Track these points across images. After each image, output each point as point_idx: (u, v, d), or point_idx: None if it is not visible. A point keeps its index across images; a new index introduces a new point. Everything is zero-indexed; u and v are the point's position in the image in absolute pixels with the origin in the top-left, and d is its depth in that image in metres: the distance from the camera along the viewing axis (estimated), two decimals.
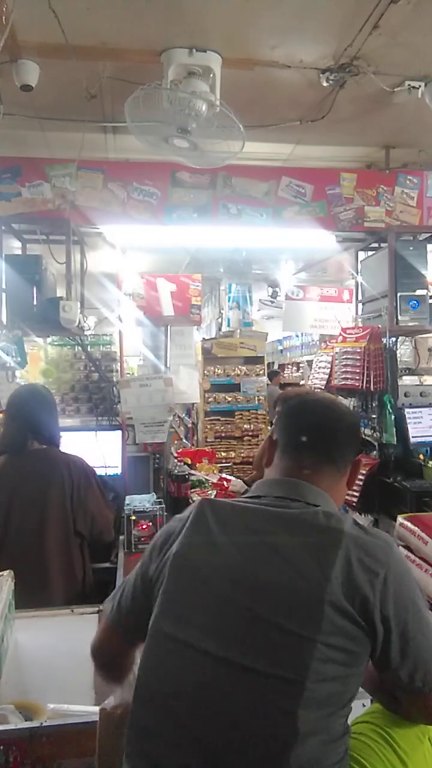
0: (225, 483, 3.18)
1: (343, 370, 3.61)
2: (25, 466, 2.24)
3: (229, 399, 6.43)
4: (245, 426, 6.41)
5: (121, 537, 2.60)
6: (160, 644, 1.05)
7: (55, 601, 2.10)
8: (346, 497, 3.46)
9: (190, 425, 6.91)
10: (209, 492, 3.18)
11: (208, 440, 6.34)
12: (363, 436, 3.62)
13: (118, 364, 3.72)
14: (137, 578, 1.19)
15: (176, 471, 3.17)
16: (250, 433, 6.40)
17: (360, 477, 3.39)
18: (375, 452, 3.47)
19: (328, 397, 1.34)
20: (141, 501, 2.76)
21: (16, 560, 2.07)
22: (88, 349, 3.68)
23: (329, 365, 3.87)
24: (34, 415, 2.31)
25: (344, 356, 3.62)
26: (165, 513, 2.69)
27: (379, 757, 1.08)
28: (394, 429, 3.30)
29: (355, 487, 3.40)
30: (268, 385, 6.84)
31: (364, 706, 1.26)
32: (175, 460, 3.59)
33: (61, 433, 2.46)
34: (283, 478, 1.19)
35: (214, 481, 3.29)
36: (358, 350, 3.44)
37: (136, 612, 1.16)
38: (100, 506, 2.35)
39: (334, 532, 1.03)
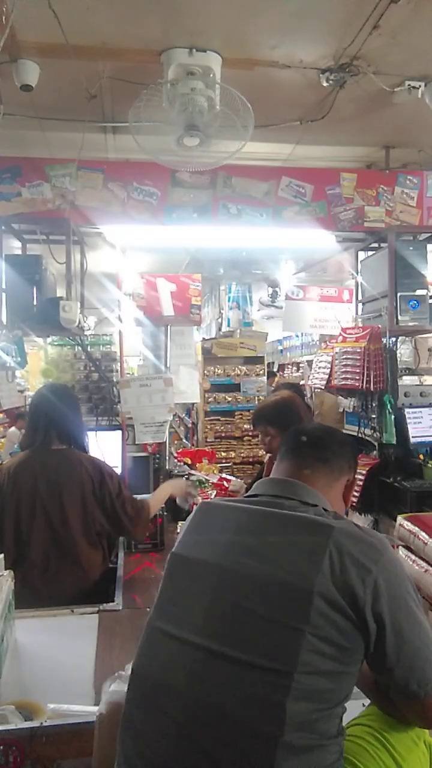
0: (225, 483, 3.18)
1: (343, 370, 3.61)
2: (45, 465, 2.23)
3: (229, 399, 6.42)
4: (245, 426, 6.40)
5: (121, 537, 2.59)
6: (153, 641, 1.08)
7: (83, 589, 2.14)
8: None
9: (190, 425, 6.91)
10: (209, 492, 3.18)
11: (208, 440, 6.33)
12: (363, 437, 3.62)
13: (118, 364, 3.72)
14: None
15: (176, 471, 3.17)
16: (250, 433, 6.39)
17: (360, 477, 3.39)
18: (375, 452, 3.47)
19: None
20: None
21: (43, 552, 2.13)
22: (88, 349, 3.69)
23: (329, 365, 3.87)
24: (55, 414, 2.29)
25: (344, 356, 3.62)
26: (165, 513, 2.69)
27: (374, 760, 1.08)
28: (394, 429, 3.30)
29: (355, 487, 3.40)
30: (268, 385, 6.84)
31: (364, 705, 1.26)
32: (175, 460, 3.59)
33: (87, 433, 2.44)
34: (280, 477, 1.26)
35: (214, 481, 3.29)
36: (358, 350, 3.44)
37: None
38: (127, 504, 2.29)
39: (324, 527, 1.05)
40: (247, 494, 1.25)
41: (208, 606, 1.04)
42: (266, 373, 7.27)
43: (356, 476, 1.44)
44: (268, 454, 2.53)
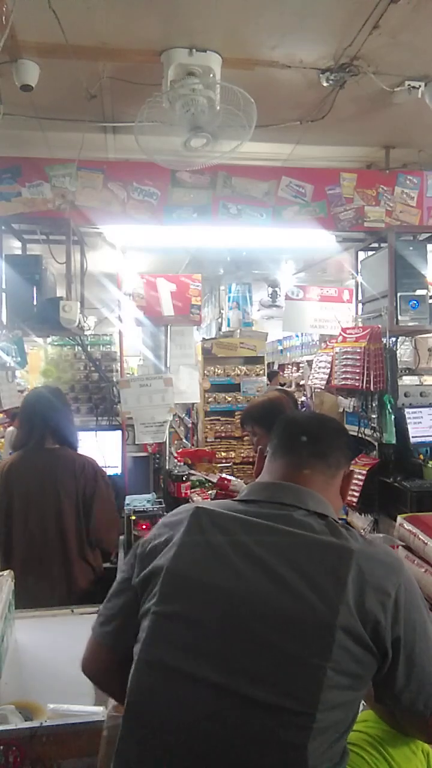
0: (225, 483, 3.18)
1: (343, 370, 3.61)
2: (40, 462, 2.28)
3: (229, 399, 6.42)
4: None
5: (121, 537, 2.60)
6: (152, 672, 0.95)
7: (74, 591, 2.17)
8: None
9: (190, 425, 6.91)
10: (209, 492, 3.18)
11: (208, 440, 6.33)
12: (363, 437, 3.62)
13: (118, 364, 3.73)
14: (120, 590, 1.11)
15: (176, 471, 3.17)
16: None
17: (360, 477, 3.38)
18: (375, 452, 3.47)
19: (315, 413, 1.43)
20: (141, 501, 2.77)
21: (37, 550, 2.17)
22: (88, 349, 3.69)
23: (329, 365, 3.87)
24: (49, 415, 2.34)
25: (344, 356, 3.62)
26: (165, 513, 2.69)
27: (369, 767, 1.07)
28: (394, 429, 3.30)
29: (355, 487, 3.40)
30: (267, 385, 6.83)
31: (363, 705, 1.26)
32: (175, 460, 3.59)
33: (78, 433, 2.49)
34: (280, 481, 1.14)
35: (214, 481, 3.29)
36: (358, 350, 3.44)
37: (123, 626, 1.07)
38: (104, 512, 2.34)
39: (343, 551, 0.97)
40: (244, 497, 1.12)
41: (222, 637, 0.92)
42: (268, 373, 7.28)
43: (354, 471, 1.39)
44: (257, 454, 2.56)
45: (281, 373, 8.73)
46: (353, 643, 0.90)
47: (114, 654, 1.09)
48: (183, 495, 3.03)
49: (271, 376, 7.90)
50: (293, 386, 8.07)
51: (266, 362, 6.98)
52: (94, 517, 2.30)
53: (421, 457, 3.33)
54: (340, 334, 3.79)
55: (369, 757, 1.09)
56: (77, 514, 2.26)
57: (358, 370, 3.42)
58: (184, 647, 0.93)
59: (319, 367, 4.12)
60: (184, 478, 3.07)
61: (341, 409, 4.07)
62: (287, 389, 6.11)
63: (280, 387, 6.74)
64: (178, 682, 0.92)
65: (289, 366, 8.74)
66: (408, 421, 3.33)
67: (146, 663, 0.96)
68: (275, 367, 8.86)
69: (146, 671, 0.95)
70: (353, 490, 3.40)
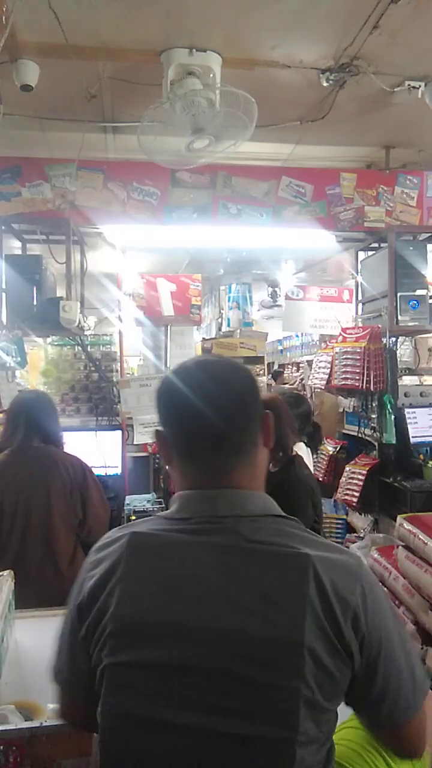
0: None
1: (343, 370, 3.61)
2: (28, 461, 2.30)
3: None
4: None
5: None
6: (120, 725, 0.88)
7: (66, 590, 2.15)
8: (346, 497, 3.48)
9: None
10: None
11: None
12: (363, 437, 3.62)
13: (118, 364, 3.73)
14: (70, 641, 0.98)
15: None
16: None
17: (360, 477, 3.39)
18: (375, 452, 3.47)
19: (207, 369, 1.02)
20: (141, 501, 2.77)
21: (29, 549, 2.19)
22: (88, 349, 3.69)
23: (329, 365, 3.87)
24: (34, 415, 2.37)
25: (344, 356, 3.62)
26: (163, 506, 2.69)
27: (368, 765, 1.07)
28: (394, 429, 3.30)
29: (355, 487, 3.40)
30: (269, 385, 6.83)
31: None
32: None
33: (63, 434, 2.51)
34: (207, 490, 0.96)
35: None
36: (358, 350, 3.44)
37: (83, 677, 0.96)
38: (96, 506, 2.38)
39: (299, 560, 0.88)
40: (175, 515, 0.97)
41: (187, 676, 0.85)
42: (273, 373, 7.27)
43: (270, 414, 0.99)
44: None
45: (284, 373, 8.73)
46: (325, 657, 0.84)
47: (84, 702, 0.99)
48: None
49: (276, 375, 7.91)
50: (297, 384, 8.07)
51: (266, 362, 6.98)
52: (90, 513, 2.32)
53: (421, 457, 3.33)
54: (340, 334, 3.80)
55: (367, 755, 1.09)
56: (68, 509, 2.28)
57: (358, 370, 3.42)
58: (150, 694, 0.86)
59: (319, 367, 4.12)
60: None
61: (341, 409, 4.07)
62: (295, 388, 6.10)
63: (283, 386, 6.74)
64: (151, 731, 0.86)
65: (289, 366, 8.74)
66: (408, 421, 3.33)
67: (114, 717, 0.88)
68: (275, 367, 8.86)
69: (114, 725, 0.88)
70: (353, 490, 3.40)
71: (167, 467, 1.06)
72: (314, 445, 3.30)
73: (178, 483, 1.01)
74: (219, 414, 0.95)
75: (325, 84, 2.68)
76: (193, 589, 0.88)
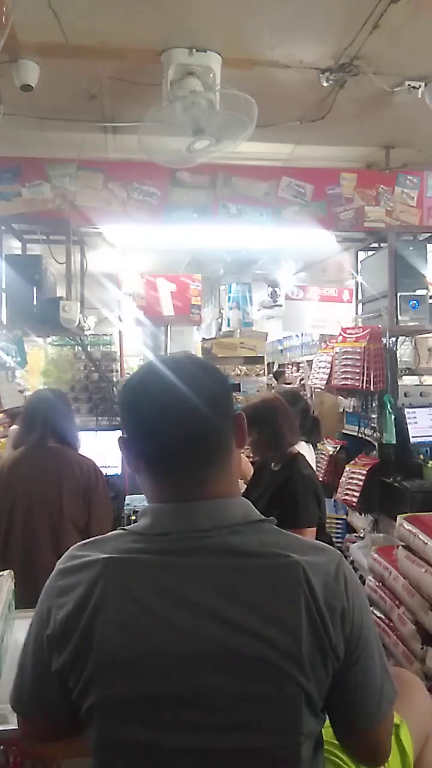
0: None
1: (343, 370, 3.61)
2: (42, 460, 2.31)
3: None
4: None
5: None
6: (118, 757, 0.86)
7: None
8: (346, 497, 3.48)
9: None
10: None
11: None
12: (363, 437, 3.62)
13: (118, 364, 3.73)
14: (39, 671, 0.92)
15: None
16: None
17: (360, 477, 3.39)
18: (375, 452, 3.47)
19: (176, 371, 0.92)
20: (141, 501, 2.76)
21: (38, 547, 2.20)
22: (88, 349, 3.69)
23: (329, 365, 3.87)
24: (52, 415, 2.37)
25: (344, 356, 3.62)
26: None
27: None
28: (394, 429, 3.30)
29: (355, 487, 3.40)
30: (269, 385, 6.83)
31: None
32: None
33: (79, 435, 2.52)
34: (184, 503, 0.91)
35: None
36: (358, 350, 3.44)
37: (53, 709, 0.91)
38: (101, 512, 2.38)
39: (287, 568, 0.86)
40: (154, 530, 0.91)
41: (184, 703, 0.83)
42: (274, 373, 7.27)
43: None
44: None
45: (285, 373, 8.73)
46: (320, 661, 0.85)
47: (53, 733, 0.96)
48: None
49: (278, 375, 7.91)
50: (298, 384, 8.07)
51: (266, 362, 6.98)
52: (94, 517, 2.33)
53: (421, 457, 3.33)
54: (340, 334, 3.80)
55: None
56: (78, 511, 2.29)
57: (358, 370, 3.42)
58: (150, 723, 0.83)
59: (319, 367, 4.12)
60: None
61: (341, 409, 4.07)
62: (295, 387, 6.09)
63: (285, 385, 6.75)
64: (152, 758, 0.84)
65: (289, 366, 8.74)
66: (408, 421, 3.33)
67: (113, 748, 0.86)
68: (276, 367, 8.86)
69: (113, 758, 0.86)
70: (353, 490, 3.40)
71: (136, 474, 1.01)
72: (314, 440, 3.31)
73: (149, 494, 0.96)
74: (193, 423, 0.90)
75: (325, 84, 2.68)
76: (183, 613, 0.84)
